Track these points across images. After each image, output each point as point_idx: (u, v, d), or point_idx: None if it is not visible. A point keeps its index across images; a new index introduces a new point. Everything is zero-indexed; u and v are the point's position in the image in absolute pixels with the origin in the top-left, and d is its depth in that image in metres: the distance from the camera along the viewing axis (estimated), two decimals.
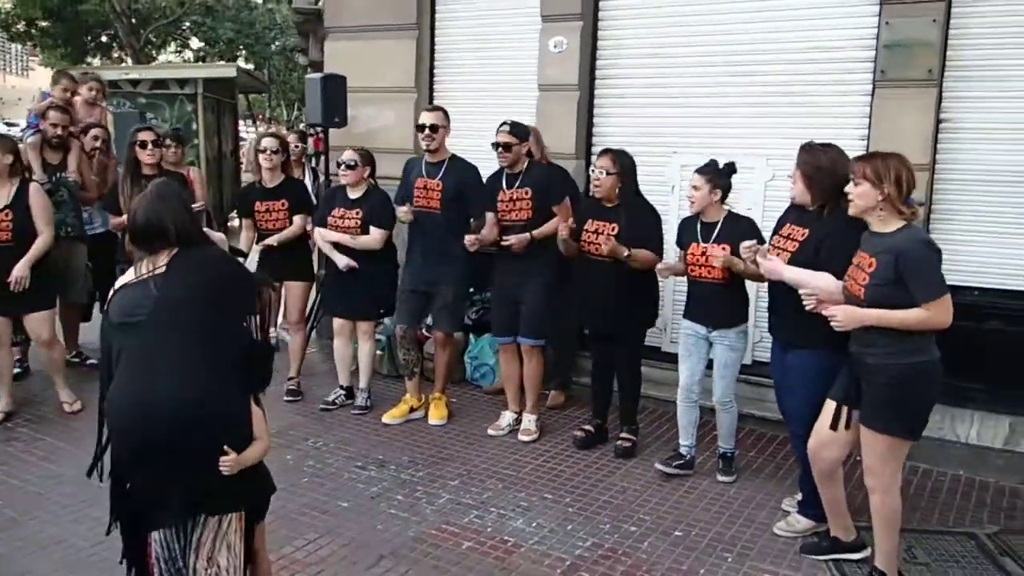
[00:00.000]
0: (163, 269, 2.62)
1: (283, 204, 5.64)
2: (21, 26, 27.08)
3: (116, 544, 3.71)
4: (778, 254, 3.92)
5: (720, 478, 4.66)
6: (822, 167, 3.79)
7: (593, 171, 4.87)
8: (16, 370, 5.97)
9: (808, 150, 3.88)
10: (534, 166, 5.18)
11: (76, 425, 5.26)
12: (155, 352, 2.56)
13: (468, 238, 5.08)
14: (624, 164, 4.80)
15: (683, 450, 4.74)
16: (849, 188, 3.41)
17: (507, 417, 5.37)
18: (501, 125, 5.07)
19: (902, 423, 3.35)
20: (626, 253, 4.62)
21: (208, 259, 2.74)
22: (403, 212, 5.28)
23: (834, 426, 3.53)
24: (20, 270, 5.08)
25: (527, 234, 5.02)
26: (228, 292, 2.70)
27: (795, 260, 3.82)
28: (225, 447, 2.55)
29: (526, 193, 5.07)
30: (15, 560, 3.65)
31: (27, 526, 3.97)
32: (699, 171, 4.48)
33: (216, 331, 2.61)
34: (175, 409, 2.50)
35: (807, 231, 3.85)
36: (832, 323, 3.41)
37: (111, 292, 2.71)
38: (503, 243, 5.05)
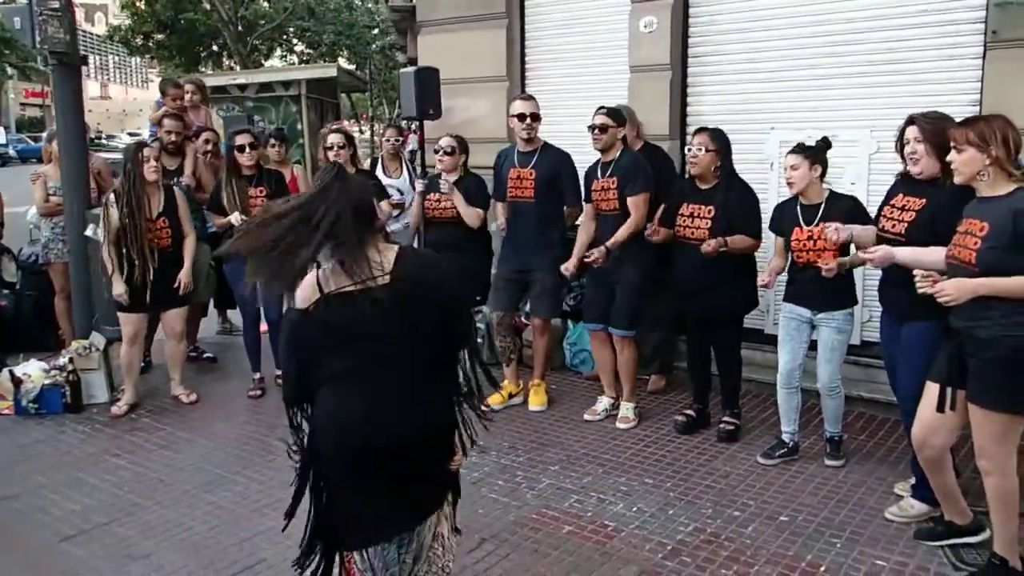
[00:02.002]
0: (386, 279, 2.42)
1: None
2: (139, 40, 28.52)
3: (230, 529, 3.94)
4: (893, 225, 3.77)
5: (828, 463, 4.52)
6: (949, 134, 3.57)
7: (690, 149, 4.78)
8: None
9: (928, 119, 3.68)
10: (625, 154, 5.09)
11: (193, 416, 5.53)
12: (383, 367, 2.45)
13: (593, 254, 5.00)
14: (721, 141, 4.70)
15: (785, 437, 4.61)
16: (952, 156, 3.26)
17: (603, 402, 5.35)
18: (599, 108, 5.03)
19: (1019, 398, 3.17)
20: (723, 248, 4.52)
21: (429, 264, 2.59)
22: (500, 223, 5.43)
23: (940, 408, 3.34)
24: (187, 276, 5.61)
25: (603, 248, 4.92)
26: (452, 301, 2.58)
27: (913, 227, 3.68)
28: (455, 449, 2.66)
29: (612, 183, 5.00)
30: (138, 544, 3.86)
31: (150, 510, 4.19)
32: (793, 151, 4.33)
33: (440, 337, 2.54)
34: (414, 425, 2.48)
35: (924, 200, 3.68)
36: (940, 299, 3.22)
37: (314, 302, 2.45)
38: (586, 259, 5.02)
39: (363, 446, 2.46)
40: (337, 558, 2.69)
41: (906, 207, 3.75)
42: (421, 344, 2.48)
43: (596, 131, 4.99)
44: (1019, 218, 3.05)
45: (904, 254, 3.60)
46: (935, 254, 3.45)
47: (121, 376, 5.72)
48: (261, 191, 5.70)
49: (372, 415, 2.45)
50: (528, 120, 5.22)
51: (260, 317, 5.94)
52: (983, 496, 3.39)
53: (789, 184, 4.35)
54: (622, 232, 4.93)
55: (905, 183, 3.84)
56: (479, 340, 6.18)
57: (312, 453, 2.56)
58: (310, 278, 2.48)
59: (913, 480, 3.99)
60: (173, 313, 5.67)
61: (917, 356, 3.71)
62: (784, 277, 4.60)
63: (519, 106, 5.29)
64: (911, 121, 3.73)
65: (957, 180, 3.28)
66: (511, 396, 5.56)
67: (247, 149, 5.66)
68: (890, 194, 3.93)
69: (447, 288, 2.57)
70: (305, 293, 2.47)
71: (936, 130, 3.61)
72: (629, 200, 4.93)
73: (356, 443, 2.46)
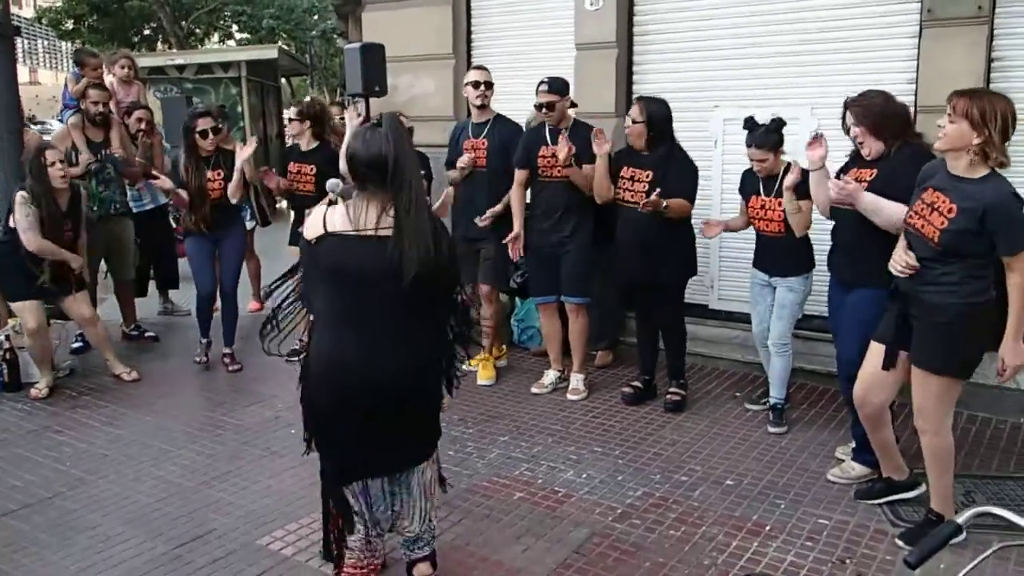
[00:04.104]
0: (387, 231, 2.56)
1: (311, 169, 5.75)
2: (70, 24, 27.58)
3: (178, 501, 3.89)
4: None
5: (771, 429, 4.64)
6: (884, 113, 3.69)
7: (626, 120, 4.88)
8: (77, 344, 6.18)
9: (858, 103, 3.76)
10: (579, 124, 5.14)
11: (135, 392, 5.42)
12: (384, 316, 2.62)
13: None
14: (652, 112, 4.75)
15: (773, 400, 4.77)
16: (942, 122, 3.19)
17: (550, 375, 5.39)
18: (540, 85, 5.04)
19: (957, 362, 3.28)
20: (664, 204, 4.59)
21: (438, 234, 2.68)
22: (464, 161, 5.35)
23: (887, 366, 3.44)
24: (78, 263, 5.37)
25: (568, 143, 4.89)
26: (452, 266, 2.78)
27: None
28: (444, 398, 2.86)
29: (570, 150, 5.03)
30: (84, 516, 3.78)
31: (94, 485, 4.11)
32: (757, 144, 4.42)
33: (435, 303, 2.73)
34: (407, 375, 2.67)
35: (875, 170, 3.74)
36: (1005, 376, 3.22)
37: (314, 230, 2.63)
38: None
39: (353, 386, 2.62)
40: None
41: (859, 179, 3.82)
42: (413, 299, 2.61)
43: (545, 110, 5.02)
44: (988, 212, 3.04)
45: (870, 198, 3.62)
46: (895, 208, 3.51)
47: (60, 353, 5.60)
48: (218, 174, 5.59)
49: (363, 357, 2.60)
50: (483, 88, 5.30)
51: (215, 295, 5.84)
52: (919, 458, 3.52)
53: (759, 172, 4.51)
54: (578, 173, 4.94)
55: (857, 160, 3.93)
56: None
57: (309, 389, 2.74)
58: (318, 214, 2.65)
59: (853, 444, 4.12)
60: (72, 300, 5.40)
61: (857, 322, 3.82)
62: (731, 251, 4.70)
63: (474, 74, 5.40)
64: (846, 106, 3.83)
65: (938, 146, 3.25)
66: (497, 359, 5.74)
67: (210, 134, 5.53)
68: (844, 169, 3.99)
69: (449, 271, 2.76)
70: (313, 226, 2.64)
71: (867, 111, 3.72)
72: (586, 166, 4.96)
73: (346, 383, 2.62)
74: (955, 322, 3.21)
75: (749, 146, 4.47)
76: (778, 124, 4.43)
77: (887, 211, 3.57)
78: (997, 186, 3.10)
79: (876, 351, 3.50)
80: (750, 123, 4.48)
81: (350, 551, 2.94)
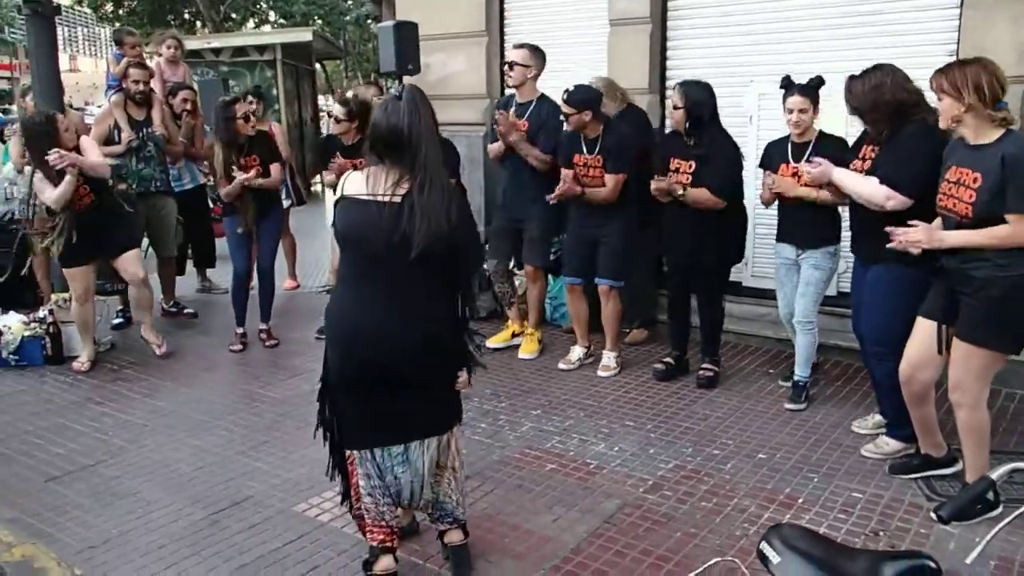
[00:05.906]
0: (399, 199, 2.58)
1: (361, 163, 5.74)
2: (109, 7, 27.89)
3: (216, 469, 3.97)
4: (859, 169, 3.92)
5: (787, 406, 4.62)
6: (861, 105, 3.75)
7: (667, 106, 4.86)
8: (118, 320, 6.30)
9: (847, 89, 3.82)
10: (610, 131, 5.00)
11: (175, 366, 5.52)
12: (386, 280, 2.64)
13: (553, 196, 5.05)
14: (692, 97, 4.65)
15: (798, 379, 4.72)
16: (936, 104, 3.30)
17: (577, 352, 5.40)
18: (563, 94, 4.93)
19: (1009, 336, 3.25)
20: (680, 191, 4.61)
21: (449, 205, 2.63)
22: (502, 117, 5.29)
23: (940, 348, 3.41)
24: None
25: (577, 188, 4.96)
26: (464, 245, 2.76)
27: (870, 173, 3.81)
28: (458, 373, 2.84)
29: (598, 161, 4.99)
30: (124, 483, 3.88)
31: (135, 453, 4.21)
32: (801, 92, 4.35)
33: (444, 276, 2.72)
34: (415, 342, 2.67)
35: (878, 148, 3.84)
36: (912, 247, 3.29)
37: (338, 197, 2.73)
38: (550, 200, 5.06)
39: (353, 345, 2.68)
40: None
41: (866, 156, 3.92)
42: (419, 269, 2.61)
43: (507, 67, 5.03)
44: (1005, 160, 3.06)
45: (840, 175, 3.88)
46: (865, 182, 3.73)
47: (101, 329, 5.70)
48: (253, 159, 5.60)
49: (364, 318, 2.66)
50: (506, 68, 5.27)
51: (251, 273, 5.89)
52: (955, 435, 3.50)
53: (796, 126, 4.39)
54: (598, 192, 4.97)
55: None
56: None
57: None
58: (343, 178, 2.74)
59: (870, 418, 4.19)
60: (125, 258, 5.40)
61: (876, 298, 3.85)
62: (764, 228, 4.65)
63: (507, 55, 5.39)
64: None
65: (941, 125, 3.32)
66: (515, 336, 5.70)
67: (252, 118, 5.54)
68: (857, 144, 4.07)
69: (460, 244, 2.71)
70: (337, 191, 2.77)
71: (849, 101, 3.83)
72: (607, 176, 4.95)
73: (347, 342, 2.70)
74: (1008, 295, 3.17)
75: (790, 96, 4.36)
76: (819, 81, 4.38)
77: (850, 184, 3.81)
78: (1015, 139, 3.15)
79: (924, 329, 3.47)
80: (787, 81, 4.43)
81: (367, 511, 2.93)
